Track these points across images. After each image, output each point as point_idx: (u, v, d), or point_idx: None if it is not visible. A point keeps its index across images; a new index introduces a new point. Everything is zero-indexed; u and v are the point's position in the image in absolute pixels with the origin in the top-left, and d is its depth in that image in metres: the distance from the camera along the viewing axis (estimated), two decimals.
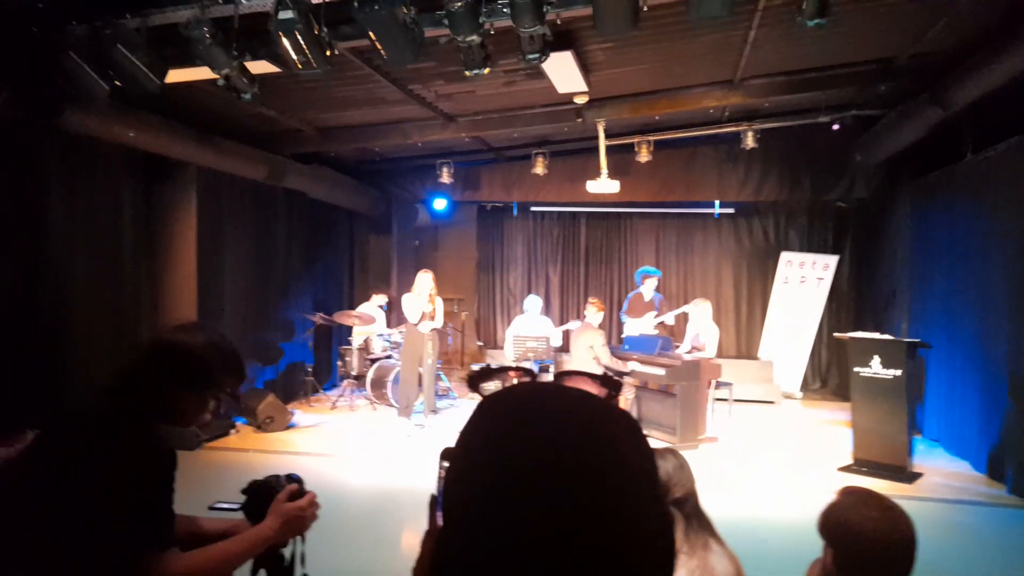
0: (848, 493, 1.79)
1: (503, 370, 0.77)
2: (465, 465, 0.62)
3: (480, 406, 0.66)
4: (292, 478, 1.90)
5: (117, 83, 4.57)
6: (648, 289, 8.64)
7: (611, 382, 0.78)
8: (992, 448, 5.95)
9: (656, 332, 8.39)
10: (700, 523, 2.06)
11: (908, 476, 5.82)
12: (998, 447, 5.82)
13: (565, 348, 9.16)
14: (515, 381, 0.75)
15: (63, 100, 5.11)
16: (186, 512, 1.89)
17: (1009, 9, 4.69)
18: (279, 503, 1.78)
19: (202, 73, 4.58)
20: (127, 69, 4.43)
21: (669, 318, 8.62)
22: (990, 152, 6.12)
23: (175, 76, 4.74)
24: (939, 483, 5.85)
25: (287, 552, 1.82)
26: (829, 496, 1.84)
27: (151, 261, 6.93)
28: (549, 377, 9.38)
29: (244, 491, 1.86)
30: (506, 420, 0.63)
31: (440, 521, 0.62)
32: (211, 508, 1.97)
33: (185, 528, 1.79)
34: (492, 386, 0.75)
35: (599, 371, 7.15)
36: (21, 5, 4.34)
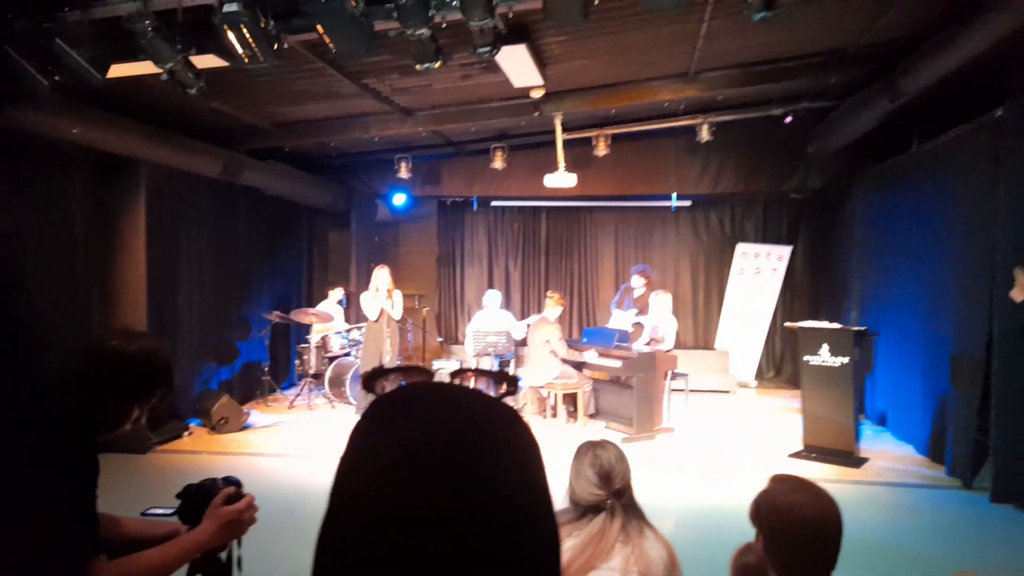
0: (778, 480, 1.85)
1: (397, 370, 0.79)
2: (352, 457, 0.65)
3: (371, 404, 0.68)
4: (230, 480, 1.87)
5: (58, 78, 4.45)
6: (638, 284, 8.69)
7: (507, 378, 0.81)
8: (934, 431, 6.16)
9: (632, 328, 8.40)
10: (635, 512, 2.11)
11: (855, 461, 5.99)
12: (939, 430, 6.03)
13: (526, 342, 9.19)
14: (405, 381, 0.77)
15: (3, 97, 4.95)
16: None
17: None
18: (215, 507, 1.76)
19: (146, 67, 4.48)
20: (69, 64, 4.31)
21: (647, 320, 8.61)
22: (937, 141, 6.30)
23: (118, 71, 4.63)
24: (884, 467, 6.04)
25: (224, 556, 1.81)
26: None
27: (102, 260, 6.77)
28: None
29: (179, 495, 1.84)
30: (392, 417, 0.66)
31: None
32: (144, 514, 1.94)
33: (114, 533, 1.76)
34: (387, 386, 0.77)
35: (556, 365, 7.21)
36: None
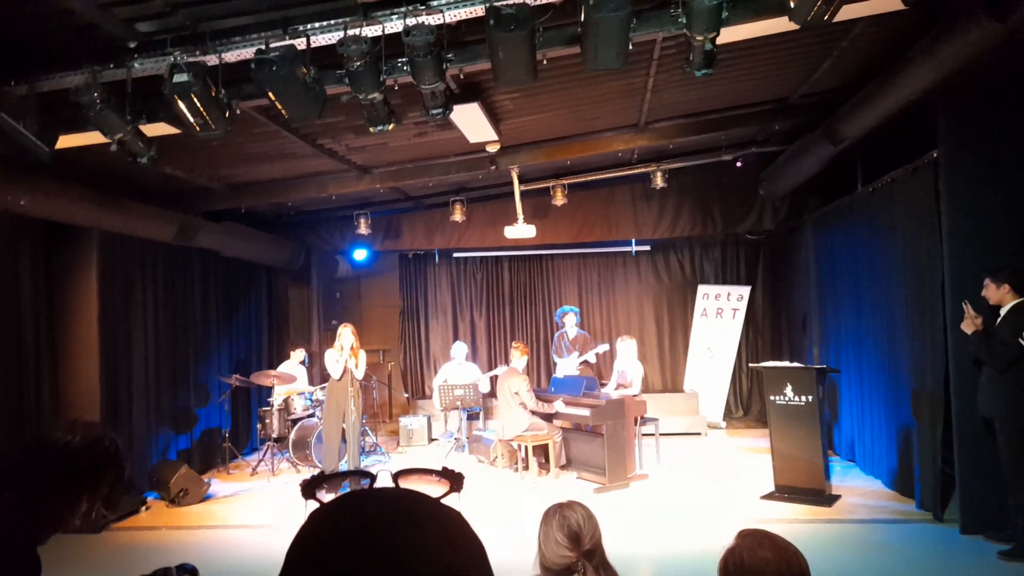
0: (744, 536, 1.84)
1: (338, 476, 0.77)
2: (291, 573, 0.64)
3: (310, 516, 0.68)
4: (184, 569, 1.80)
5: (3, 150, 4.37)
6: (570, 327, 8.80)
7: (452, 475, 0.80)
8: (900, 465, 6.21)
9: (579, 372, 8.50)
10: (607, 573, 2.08)
11: (827, 499, 6.00)
12: (905, 464, 6.08)
13: (494, 393, 9.12)
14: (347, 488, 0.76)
15: None
16: None
17: (887, 48, 5.08)
18: None
19: (95, 137, 4.43)
20: (14, 137, 4.24)
21: (591, 357, 8.75)
22: (881, 181, 6.52)
23: (67, 141, 4.57)
24: (856, 503, 6.06)
25: None
26: (752, 527, 1.89)
27: (51, 331, 6.55)
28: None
29: None
30: (328, 531, 0.65)
31: None
32: None
33: None
34: (327, 494, 0.76)
35: (525, 417, 7.13)
36: None
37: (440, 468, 0.81)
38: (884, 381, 6.57)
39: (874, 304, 6.79)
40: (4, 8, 3.62)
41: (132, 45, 3.99)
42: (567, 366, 8.65)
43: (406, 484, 0.78)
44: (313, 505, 0.73)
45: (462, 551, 0.64)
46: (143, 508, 6.78)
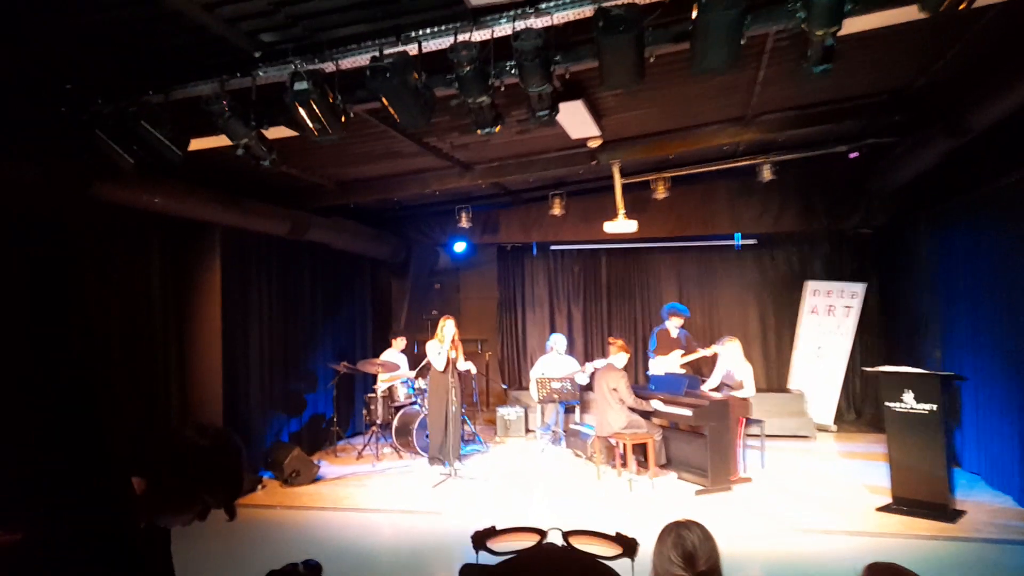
0: (873, 571, 1.76)
1: (509, 531, 0.79)
2: None
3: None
4: (309, 564, 1.91)
5: (142, 155, 4.73)
6: (673, 326, 8.61)
7: (625, 541, 0.80)
8: None
9: (683, 371, 8.32)
10: None
11: (950, 515, 5.63)
12: None
13: (591, 387, 9.09)
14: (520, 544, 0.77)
15: (91, 174, 5.30)
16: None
17: (1018, 35, 4.66)
18: None
19: (222, 140, 4.72)
20: (150, 142, 4.58)
21: (694, 359, 8.52)
22: (1011, 178, 6.01)
23: (197, 145, 4.89)
24: (983, 521, 5.65)
25: None
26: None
27: (180, 323, 7.07)
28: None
29: None
30: None
31: None
32: None
33: None
34: (499, 545, 0.77)
35: (624, 415, 7.06)
36: (52, 86, 4.53)
37: (614, 533, 0.82)
38: (1013, 391, 6.09)
39: (1000, 310, 6.29)
40: (144, 26, 3.91)
41: (257, 55, 4.22)
42: (668, 364, 8.46)
43: (577, 544, 0.79)
44: (485, 556, 0.74)
45: None
46: (259, 487, 7.23)
